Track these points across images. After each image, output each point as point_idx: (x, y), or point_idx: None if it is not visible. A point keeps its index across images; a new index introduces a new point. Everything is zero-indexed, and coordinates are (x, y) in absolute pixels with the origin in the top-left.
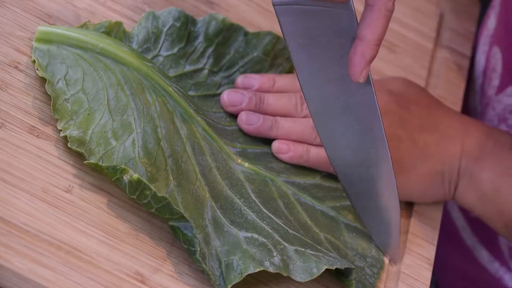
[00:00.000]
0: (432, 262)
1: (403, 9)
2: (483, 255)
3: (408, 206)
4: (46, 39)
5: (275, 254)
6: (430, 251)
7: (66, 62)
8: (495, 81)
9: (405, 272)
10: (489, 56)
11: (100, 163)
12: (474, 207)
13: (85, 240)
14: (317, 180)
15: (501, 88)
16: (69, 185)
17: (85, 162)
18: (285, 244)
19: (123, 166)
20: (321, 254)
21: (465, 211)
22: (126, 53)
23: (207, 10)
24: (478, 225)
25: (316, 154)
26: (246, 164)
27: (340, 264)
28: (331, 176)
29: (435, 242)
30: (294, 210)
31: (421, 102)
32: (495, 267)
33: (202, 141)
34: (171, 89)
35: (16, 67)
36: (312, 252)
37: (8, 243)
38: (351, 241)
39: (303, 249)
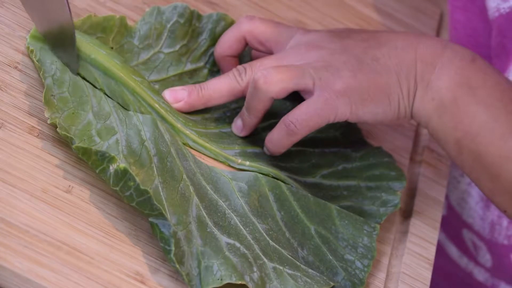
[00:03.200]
0: (432, 262)
1: (403, 9)
2: (453, 251)
3: (408, 207)
4: (40, 37)
5: (255, 269)
6: (430, 251)
7: (55, 64)
8: None
9: (405, 272)
10: None
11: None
12: (430, 119)
13: (85, 240)
14: (317, 179)
15: None
16: (69, 185)
17: (73, 146)
18: (265, 259)
19: (112, 154)
20: (299, 274)
21: None
22: (116, 67)
23: (207, 10)
24: (444, 221)
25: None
26: (247, 163)
27: (317, 287)
28: (332, 175)
29: (435, 242)
30: (286, 202)
31: (364, 30)
32: (464, 262)
33: (184, 149)
34: (157, 105)
35: (16, 67)
36: (290, 272)
37: (8, 243)
38: (342, 230)
39: (281, 268)
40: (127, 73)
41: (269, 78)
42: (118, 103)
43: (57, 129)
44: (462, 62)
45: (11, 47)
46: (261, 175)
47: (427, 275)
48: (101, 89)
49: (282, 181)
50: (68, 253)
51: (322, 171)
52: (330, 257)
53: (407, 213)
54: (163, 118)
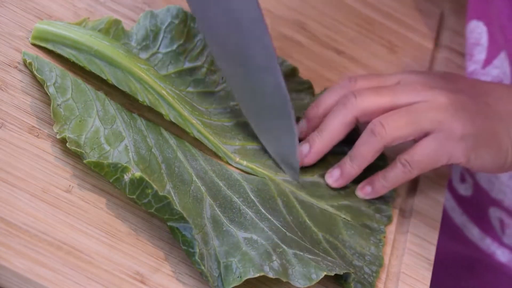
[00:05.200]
0: (432, 262)
1: (403, 9)
2: (474, 233)
3: (408, 206)
4: (42, 38)
5: (274, 258)
6: (430, 251)
7: (54, 71)
8: (480, 55)
9: (405, 272)
10: (469, 31)
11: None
12: None
13: (85, 240)
14: (315, 178)
15: (488, 61)
16: (69, 185)
17: (85, 161)
18: (284, 247)
19: (124, 164)
20: (319, 259)
21: (453, 191)
22: (121, 56)
23: None
24: (467, 203)
25: None
26: (245, 163)
27: (339, 270)
28: None
29: (435, 242)
30: (293, 209)
31: (463, 76)
32: (486, 243)
33: (193, 149)
34: (165, 92)
35: (16, 67)
36: (310, 257)
37: (8, 243)
38: (349, 239)
39: (301, 253)
40: (132, 61)
41: (386, 127)
42: (123, 93)
43: (67, 145)
44: None
45: (11, 47)
46: (269, 180)
47: (427, 275)
48: (108, 80)
49: (278, 185)
50: (68, 253)
51: (320, 171)
52: (340, 261)
53: (407, 213)
54: (170, 105)
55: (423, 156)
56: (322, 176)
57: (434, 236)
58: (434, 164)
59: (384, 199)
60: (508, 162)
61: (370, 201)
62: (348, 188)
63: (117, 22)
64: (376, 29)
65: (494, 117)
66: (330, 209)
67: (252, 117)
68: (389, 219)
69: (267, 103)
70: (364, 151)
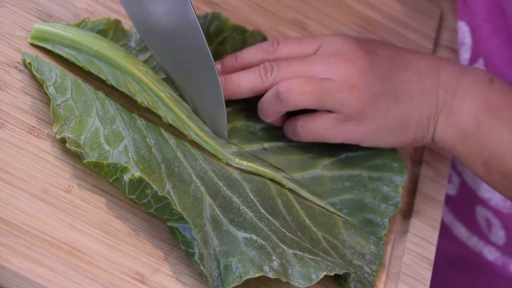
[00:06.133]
0: (432, 262)
1: (403, 9)
2: (461, 232)
3: (408, 207)
4: (41, 38)
5: (274, 258)
6: (430, 251)
7: (54, 71)
8: (466, 54)
9: (405, 272)
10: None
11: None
12: (455, 144)
13: (85, 240)
14: (318, 171)
15: (473, 60)
16: (69, 185)
17: (85, 161)
18: (284, 247)
19: (124, 165)
20: (319, 259)
21: None
22: (120, 57)
23: (207, 10)
24: (453, 201)
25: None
26: (245, 163)
27: (339, 270)
28: (335, 164)
29: (435, 242)
30: (293, 209)
31: (388, 46)
32: (474, 242)
33: (193, 149)
34: (163, 94)
35: (16, 67)
36: (310, 257)
37: (8, 243)
38: (349, 239)
39: (301, 253)
40: (131, 62)
41: (293, 92)
42: (122, 93)
43: (67, 145)
44: (481, 86)
45: (11, 47)
46: (268, 180)
47: (427, 275)
48: (106, 80)
49: (278, 183)
50: (68, 253)
51: (324, 162)
52: (339, 261)
53: (407, 213)
54: (168, 108)
55: (318, 129)
56: (325, 168)
57: (434, 236)
58: (327, 139)
59: (394, 183)
60: (418, 140)
61: (378, 189)
62: (354, 178)
63: (116, 23)
64: (376, 29)
65: (404, 99)
66: (331, 209)
67: (174, 74)
68: (396, 207)
69: (190, 62)
70: (268, 110)
